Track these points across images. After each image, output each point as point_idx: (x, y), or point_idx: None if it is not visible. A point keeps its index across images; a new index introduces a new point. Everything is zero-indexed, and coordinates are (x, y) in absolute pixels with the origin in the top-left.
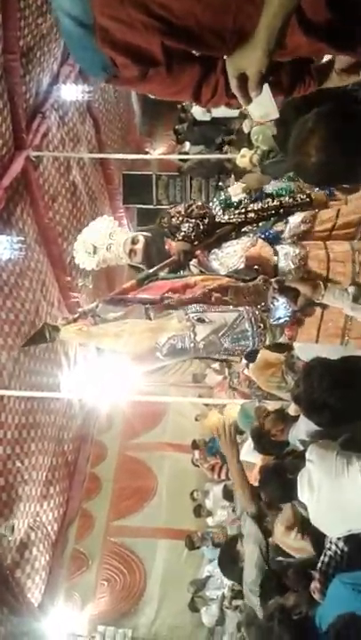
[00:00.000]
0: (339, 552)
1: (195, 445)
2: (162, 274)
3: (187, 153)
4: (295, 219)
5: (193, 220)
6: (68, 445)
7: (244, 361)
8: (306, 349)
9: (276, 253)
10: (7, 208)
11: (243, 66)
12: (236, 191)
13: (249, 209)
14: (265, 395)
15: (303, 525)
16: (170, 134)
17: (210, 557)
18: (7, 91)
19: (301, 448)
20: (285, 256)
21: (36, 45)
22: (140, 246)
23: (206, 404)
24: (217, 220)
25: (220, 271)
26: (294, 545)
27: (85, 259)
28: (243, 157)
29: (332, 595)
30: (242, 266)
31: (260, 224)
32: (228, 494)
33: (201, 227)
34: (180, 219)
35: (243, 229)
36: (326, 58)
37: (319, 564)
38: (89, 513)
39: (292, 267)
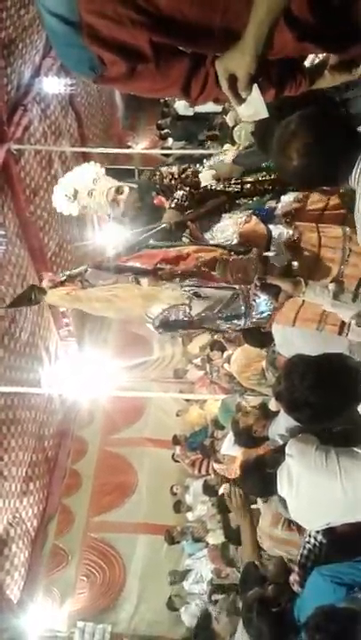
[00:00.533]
0: (317, 545)
1: (175, 441)
2: (152, 242)
3: (169, 148)
4: (287, 197)
5: (187, 189)
6: (49, 441)
7: (224, 354)
8: (286, 345)
9: (269, 233)
10: None
11: (232, 68)
12: (205, 177)
13: (245, 180)
14: (245, 390)
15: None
16: (152, 129)
17: (189, 552)
18: None
19: (281, 443)
20: (279, 236)
21: (17, 37)
22: (124, 197)
23: (187, 400)
24: (211, 187)
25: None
26: (283, 536)
27: (64, 202)
28: (225, 153)
29: (310, 587)
30: (235, 241)
31: (255, 198)
32: (208, 489)
33: (195, 195)
34: (173, 181)
35: (237, 202)
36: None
37: (298, 557)
38: (69, 509)
39: (285, 237)
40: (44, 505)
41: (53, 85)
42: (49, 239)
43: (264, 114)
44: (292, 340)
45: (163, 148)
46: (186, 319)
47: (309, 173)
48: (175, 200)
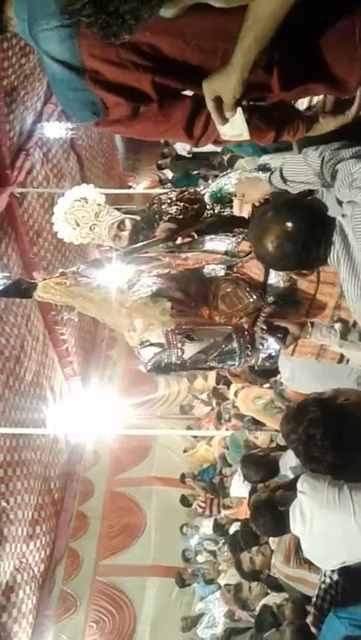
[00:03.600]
0: (333, 585)
1: (183, 479)
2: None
3: (170, 180)
4: (276, 278)
5: (181, 204)
6: (55, 483)
7: (230, 389)
8: (293, 381)
9: (266, 277)
10: None
11: (218, 91)
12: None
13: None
14: (256, 427)
15: (301, 552)
16: (153, 169)
17: (201, 594)
18: None
19: (292, 476)
20: (276, 273)
21: (19, 85)
22: (126, 233)
23: (195, 437)
24: (207, 209)
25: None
26: (293, 575)
27: (66, 229)
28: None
29: (327, 630)
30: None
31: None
32: (218, 528)
33: (190, 210)
34: (170, 204)
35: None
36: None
37: (314, 599)
38: (76, 552)
39: (282, 285)
40: (51, 549)
41: (55, 130)
42: None
43: (246, 136)
44: (300, 375)
45: (162, 187)
46: (178, 362)
47: (285, 261)
48: (169, 215)
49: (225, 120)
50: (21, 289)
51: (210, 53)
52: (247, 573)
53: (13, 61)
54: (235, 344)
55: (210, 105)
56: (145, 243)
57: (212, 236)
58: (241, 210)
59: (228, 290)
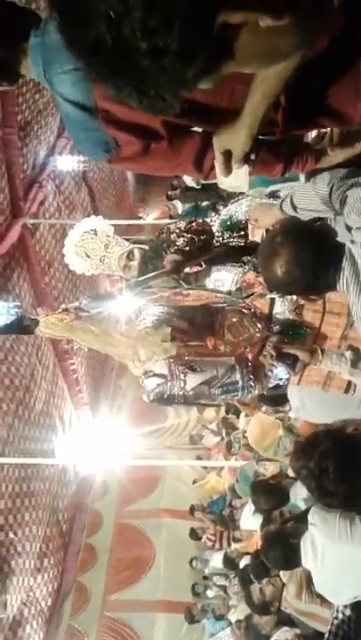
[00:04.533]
0: (346, 621)
1: (193, 511)
2: (151, 283)
3: (180, 215)
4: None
5: (188, 235)
6: (63, 514)
7: (240, 418)
8: (304, 410)
9: (271, 306)
10: (4, 274)
11: (228, 145)
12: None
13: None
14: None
15: (313, 586)
16: (163, 199)
17: (211, 631)
18: (5, 162)
19: (303, 507)
20: (282, 302)
21: (33, 120)
22: (135, 263)
23: (204, 467)
24: (216, 238)
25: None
26: (305, 609)
27: (77, 261)
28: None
29: None
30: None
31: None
32: (228, 562)
33: (196, 242)
34: (178, 234)
35: (241, 258)
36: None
37: (326, 635)
38: (84, 586)
39: (288, 315)
40: (58, 582)
41: (67, 162)
42: None
43: (244, 188)
44: (309, 404)
45: (171, 218)
46: (181, 393)
47: (293, 286)
48: (176, 247)
49: (230, 172)
50: (23, 325)
51: (217, 93)
52: (257, 606)
53: (27, 97)
54: (237, 375)
55: (219, 158)
56: (152, 275)
57: (219, 267)
58: (254, 234)
59: (235, 319)
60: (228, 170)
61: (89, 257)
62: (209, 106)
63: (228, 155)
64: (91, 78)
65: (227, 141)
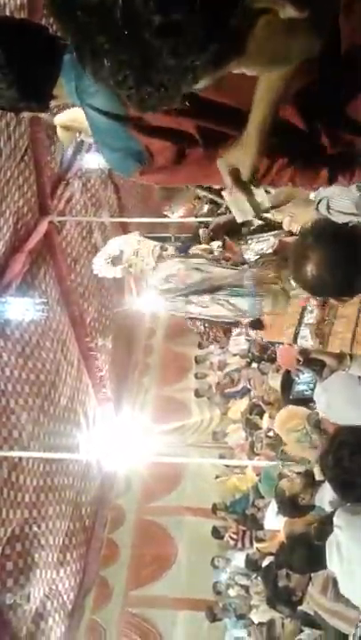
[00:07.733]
0: None
1: (215, 510)
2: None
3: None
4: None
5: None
6: (86, 509)
7: (266, 425)
8: (331, 410)
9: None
10: (31, 271)
11: (236, 163)
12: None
13: None
14: (289, 457)
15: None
16: (188, 198)
17: (233, 630)
18: (33, 160)
19: (329, 510)
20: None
21: None
22: (169, 253)
23: (227, 465)
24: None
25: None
26: (330, 607)
27: (103, 266)
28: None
29: None
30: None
31: None
32: (250, 564)
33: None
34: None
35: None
36: None
37: (351, 638)
38: (106, 581)
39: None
40: (81, 577)
41: (94, 161)
42: (88, 305)
43: (250, 216)
44: (335, 405)
45: (197, 216)
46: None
47: (323, 289)
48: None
49: (251, 193)
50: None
51: (235, 92)
52: (280, 590)
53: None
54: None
55: (227, 180)
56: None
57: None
58: (290, 226)
59: None
60: (248, 190)
61: (122, 253)
62: (232, 107)
63: (236, 174)
64: (82, 55)
65: (234, 158)
